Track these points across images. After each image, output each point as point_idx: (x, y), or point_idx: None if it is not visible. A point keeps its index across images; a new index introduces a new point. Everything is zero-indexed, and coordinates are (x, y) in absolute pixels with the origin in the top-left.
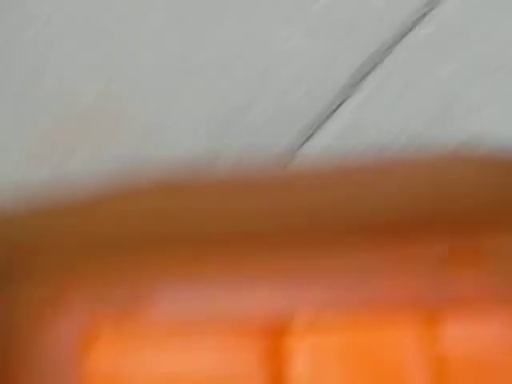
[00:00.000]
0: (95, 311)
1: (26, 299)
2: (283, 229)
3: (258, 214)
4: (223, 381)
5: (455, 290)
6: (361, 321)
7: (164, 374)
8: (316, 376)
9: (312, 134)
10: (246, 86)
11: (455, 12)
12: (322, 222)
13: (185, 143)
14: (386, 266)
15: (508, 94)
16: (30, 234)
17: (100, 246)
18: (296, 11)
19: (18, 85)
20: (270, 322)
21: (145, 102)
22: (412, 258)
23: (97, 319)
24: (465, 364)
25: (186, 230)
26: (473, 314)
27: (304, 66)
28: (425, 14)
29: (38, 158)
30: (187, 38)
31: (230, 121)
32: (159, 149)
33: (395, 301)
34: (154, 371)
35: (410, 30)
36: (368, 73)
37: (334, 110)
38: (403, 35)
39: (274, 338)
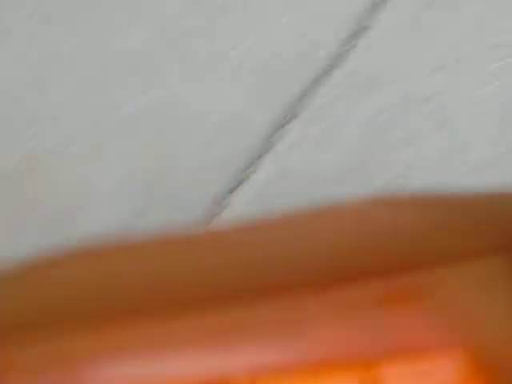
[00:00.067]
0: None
1: None
2: (210, 287)
3: (184, 275)
4: None
5: (393, 332)
6: (299, 376)
7: None
8: None
9: (237, 185)
10: (169, 140)
11: (369, 57)
12: (250, 276)
13: (108, 205)
14: (321, 313)
15: (429, 133)
16: None
17: (22, 320)
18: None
19: None
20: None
21: (66, 164)
22: (346, 301)
23: None
24: None
25: (111, 297)
26: (412, 356)
27: (225, 116)
28: (341, 57)
29: None
30: (109, 93)
31: (153, 179)
32: (82, 212)
33: (333, 350)
34: None
35: (328, 72)
36: (289, 120)
37: (258, 160)
38: (321, 78)
39: None
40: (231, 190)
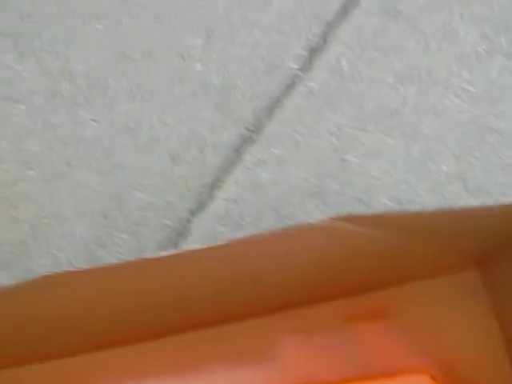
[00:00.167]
0: None
1: None
2: (175, 310)
3: (145, 299)
4: None
5: (362, 350)
6: None
7: None
8: None
9: (202, 204)
10: (132, 162)
11: (331, 73)
12: (216, 298)
13: (70, 232)
14: (289, 334)
15: (393, 148)
16: None
17: None
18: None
19: None
20: None
21: (25, 191)
22: (315, 320)
23: None
24: None
25: (73, 325)
26: (381, 374)
27: (189, 134)
28: (304, 73)
29: None
30: (70, 115)
31: (115, 204)
32: (42, 240)
33: (302, 369)
34: None
35: (291, 89)
36: (253, 137)
37: (223, 178)
38: (285, 95)
39: None
40: (197, 209)
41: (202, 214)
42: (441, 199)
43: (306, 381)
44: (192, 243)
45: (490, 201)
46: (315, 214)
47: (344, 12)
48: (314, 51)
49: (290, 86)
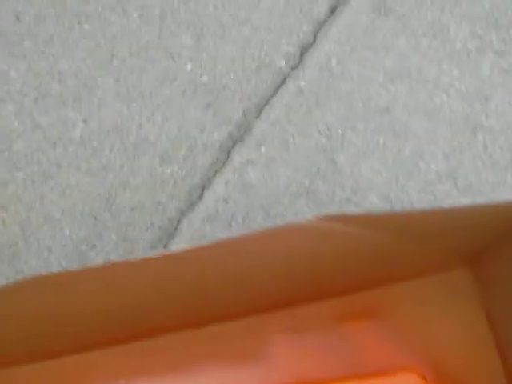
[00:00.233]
0: None
1: None
2: (166, 311)
3: (136, 299)
4: None
5: (353, 350)
6: None
7: None
8: None
9: (192, 204)
10: (122, 162)
11: (321, 71)
12: (207, 298)
13: (58, 234)
14: (280, 334)
15: (383, 146)
16: None
17: None
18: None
19: None
20: None
21: (14, 193)
22: (305, 320)
23: None
24: None
25: (65, 326)
26: (372, 373)
27: (178, 134)
28: (293, 73)
29: None
30: (59, 116)
31: (104, 205)
32: (30, 241)
33: (294, 369)
34: None
35: (281, 88)
36: (242, 137)
37: (213, 177)
38: (274, 94)
39: None
40: (187, 209)
41: (192, 213)
42: (431, 198)
43: (297, 380)
44: (182, 243)
45: (480, 199)
46: (305, 213)
47: (334, 11)
48: (304, 50)
49: (279, 86)
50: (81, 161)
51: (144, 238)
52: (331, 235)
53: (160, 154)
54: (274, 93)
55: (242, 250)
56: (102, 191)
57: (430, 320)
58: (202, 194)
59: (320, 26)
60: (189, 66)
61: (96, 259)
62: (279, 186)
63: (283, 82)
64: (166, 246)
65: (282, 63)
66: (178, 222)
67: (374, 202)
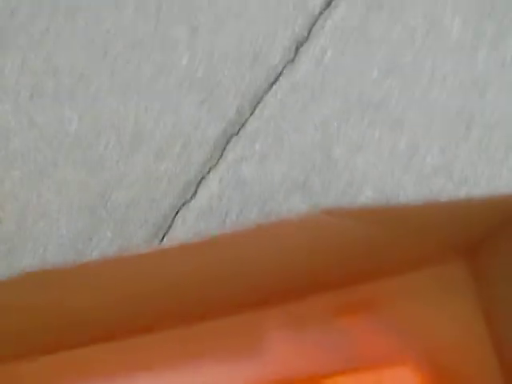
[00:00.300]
0: None
1: None
2: (162, 306)
3: (132, 294)
4: None
5: (349, 344)
6: None
7: None
8: None
9: (186, 200)
10: (117, 158)
11: (315, 65)
12: (202, 294)
13: (55, 229)
14: (276, 329)
15: (378, 140)
16: None
17: None
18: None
19: None
20: None
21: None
22: (302, 315)
23: None
24: None
25: (65, 321)
26: (368, 366)
27: (173, 129)
28: (288, 67)
29: None
30: (55, 113)
31: (100, 200)
32: (27, 237)
33: (290, 365)
34: None
35: (275, 83)
36: (237, 132)
37: (208, 173)
38: (269, 89)
39: None
40: (181, 205)
41: (186, 210)
42: (427, 191)
43: (295, 375)
44: (177, 238)
45: (476, 192)
46: (300, 209)
47: (329, 4)
48: (299, 44)
49: (274, 81)
50: (76, 158)
51: (139, 234)
52: (326, 229)
53: (154, 150)
54: (269, 89)
55: (236, 245)
56: (97, 188)
57: (426, 313)
58: (196, 190)
59: (315, 19)
60: (184, 61)
61: (91, 256)
62: (274, 182)
63: (278, 77)
64: (160, 242)
65: (277, 58)
66: (173, 219)
67: (369, 196)
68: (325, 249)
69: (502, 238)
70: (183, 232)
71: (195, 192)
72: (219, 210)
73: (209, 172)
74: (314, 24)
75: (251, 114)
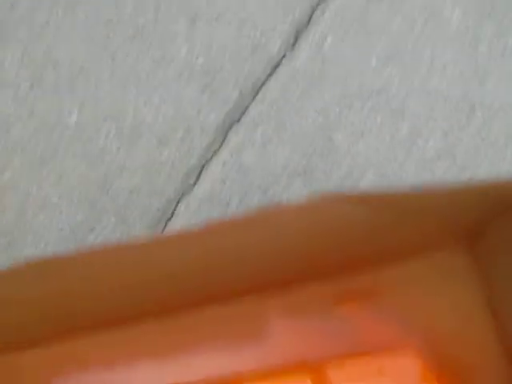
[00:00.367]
0: None
1: None
2: (165, 293)
3: (136, 282)
4: None
5: (348, 329)
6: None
7: None
8: None
9: (189, 185)
10: (119, 146)
11: (316, 53)
12: (203, 282)
13: (55, 219)
14: (277, 316)
15: (379, 127)
16: None
17: None
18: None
19: None
20: None
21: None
22: (302, 302)
23: None
24: None
25: (67, 310)
26: (367, 354)
27: (175, 116)
28: (288, 55)
29: None
30: (55, 103)
31: (100, 189)
32: (28, 226)
33: (290, 352)
34: None
35: (276, 70)
36: (238, 119)
37: (209, 160)
38: (270, 76)
39: None
40: (184, 191)
41: (189, 195)
42: (429, 176)
43: (296, 361)
44: (180, 225)
45: (479, 176)
46: (302, 193)
47: None
48: (300, 30)
49: (275, 66)
50: (77, 146)
51: (142, 220)
52: (326, 214)
53: (157, 136)
54: (270, 74)
55: (237, 231)
56: (99, 175)
57: (427, 301)
58: (199, 175)
59: (315, 6)
60: (184, 49)
61: (94, 243)
62: (276, 167)
63: (279, 62)
64: (164, 228)
65: (278, 44)
66: (176, 204)
67: (371, 181)
68: (325, 234)
69: (505, 222)
70: (186, 218)
71: (198, 178)
72: (222, 194)
73: (211, 157)
74: (314, 11)
75: (253, 100)
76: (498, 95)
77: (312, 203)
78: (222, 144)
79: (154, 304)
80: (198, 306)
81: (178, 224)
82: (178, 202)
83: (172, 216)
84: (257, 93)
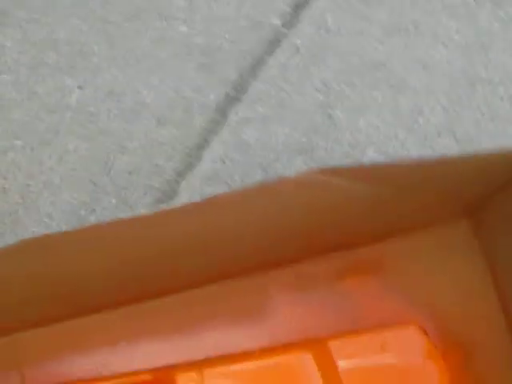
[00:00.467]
0: None
1: None
2: (165, 271)
3: (134, 259)
4: None
5: (352, 304)
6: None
7: None
8: None
9: (190, 165)
10: (119, 126)
11: (317, 25)
12: (207, 258)
13: (57, 199)
14: (281, 292)
15: (381, 100)
16: None
17: None
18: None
19: None
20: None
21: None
22: (307, 277)
23: None
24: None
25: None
26: (372, 329)
27: (174, 96)
28: (289, 28)
29: None
30: (55, 83)
31: (105, 167)
32: (29, 207)
33: (295, 328)
34: None
35: (276, 45)
36: (239, 96)
37: (211, 137)
38: (270, 51)
39: None
40: (184, 170)
41: (190, 174)
42: (430, 152)
43: (299, 337)
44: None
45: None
46: (303, 171)
47: None
48: (298, 7)
49: (274, 44)
50: (78, 126)
51: (143, 200)
52: (327, 189)
53: (156, 116)
54: (270, 51)
55: (237, 207)
56: (100, 156)
57: (431, 273)
58: (199, 154)
59: None
60: (183, 28)
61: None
62: (277, 144)
63: (279, 40)
64: None
65: (277, 21)
66: (177, 184)
67: (372, 157)
68: (325, 210)
69: (506, 197)
70: (187, 198)
71: (198, 156)
72: (223, 173)
73: (212, 136)
74: None
75: (253, 77)
76: (501, 64)
77: (311, 178)
78: (221, 123)
79: (154, 282)
80: (199, 283)
81: (179, 202)
82: (178, 183)
83: (173, 196)
84: (257, 69)
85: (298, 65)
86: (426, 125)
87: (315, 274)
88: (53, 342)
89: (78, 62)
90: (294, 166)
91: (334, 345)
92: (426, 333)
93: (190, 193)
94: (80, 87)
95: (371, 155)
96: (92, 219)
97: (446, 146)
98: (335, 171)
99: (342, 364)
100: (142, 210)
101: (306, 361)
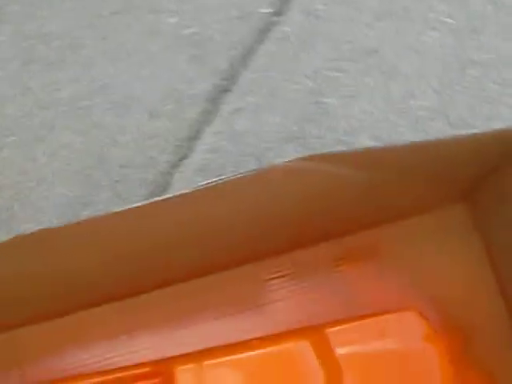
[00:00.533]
0: None
1: None
2: (164, 262)
3: (128, 252)
4: None
5: (350, 291)
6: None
7: None
8: None
9: (182, 156)
10: (111, 119)
11: (307, 11)
12: (201, 248)
13: (51, 194)
14: (277, 281)
15: (373, 85)
16: None
17: None
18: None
19: None
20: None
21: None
22: (303, 265)
23: None
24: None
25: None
26: (370, 315)
27: (165, 88)
28: (278, 16)
29: None
30: (47, 78)
31: (98, 160)
32: (23, 202)
33: (292, 317)
34: None
35: (265, 34)
36: (229, 86)
37: (202, 128)
38: (259, 40)
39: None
40: (177, 162)
41: (183, 166)
42: (423, 136)
43: (297, 326)
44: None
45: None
46: (295, 156)
47: None
48: None
49: (264, 32)
50: (70, 121)
51: (137, 193)
52: (316, 175)
53: (148, 109)
54: (260, 40)
55: (229, 196)
56: (93, 150)
57: (429, 258)
58: (191, 146)
59: None
60: (173, 20)
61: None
62: (269, 133)
63: (268, 28)
64: None
65: (267, 10)
66: (170, 176)
67: (365, 143)
68: (316, 196)
69: (500, 178)
70: (181, 188)
71: (191, 147)
72: (216, 163)
73: (203, 127)
74: None
75: (243, 67)
76: (492, 47)
77: (299, 165)
78: (213, 113)
79: (150, 275)
80: (195, 274)
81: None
82: (171, 174)
83: (167, 188)
84: (247, 58)
85: (288, 53)
86: (418, 109)
87: (311, 261)
88: (51, 338)
89: (68, 56)
90: (287, 155)
91: (332, 332)
92: (424, 318)
93: (183, 184)
94: (72, 81)
95: (365, 141)
96: (86, 213)
97: (440, 130)
98: (323, 157)
99: (341, 351)
100: (137, 203)
101: (304, 349)
